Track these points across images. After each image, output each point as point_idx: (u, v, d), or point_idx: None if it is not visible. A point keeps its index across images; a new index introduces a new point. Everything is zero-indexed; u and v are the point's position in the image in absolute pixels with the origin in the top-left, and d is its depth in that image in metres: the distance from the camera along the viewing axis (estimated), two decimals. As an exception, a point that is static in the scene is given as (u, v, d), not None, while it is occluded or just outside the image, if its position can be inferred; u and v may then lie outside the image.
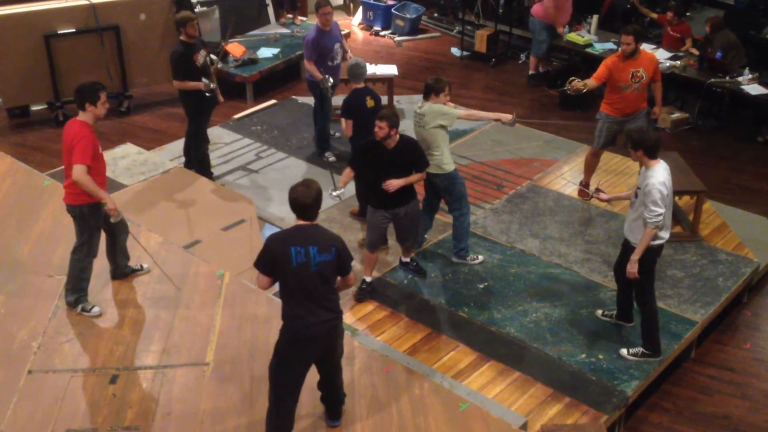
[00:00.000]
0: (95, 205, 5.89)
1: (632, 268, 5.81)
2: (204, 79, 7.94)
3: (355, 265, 7.07)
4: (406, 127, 7.63)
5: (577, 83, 7.66)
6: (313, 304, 4.66)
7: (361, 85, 7.63)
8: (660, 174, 5.67)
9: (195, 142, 8.40)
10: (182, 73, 7.91)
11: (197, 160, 8.48)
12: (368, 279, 6.84)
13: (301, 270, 4.56)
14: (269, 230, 7.50)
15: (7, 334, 5.93)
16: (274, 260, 4.62)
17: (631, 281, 5.98)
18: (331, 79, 8.43)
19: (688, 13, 12.03)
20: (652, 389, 6.20)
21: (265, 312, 6.17)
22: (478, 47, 12.43)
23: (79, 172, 5.60)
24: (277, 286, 4.86)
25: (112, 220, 5.92)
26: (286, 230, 4.79)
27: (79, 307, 6.15)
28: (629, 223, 5.94)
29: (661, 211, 5.62)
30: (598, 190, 6.45)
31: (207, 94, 8.03)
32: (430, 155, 6.76)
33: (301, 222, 4.70)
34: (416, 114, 6.85)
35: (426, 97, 6.80)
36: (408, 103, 10.57)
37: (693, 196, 7.69)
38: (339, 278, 4.84)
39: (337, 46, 8.65)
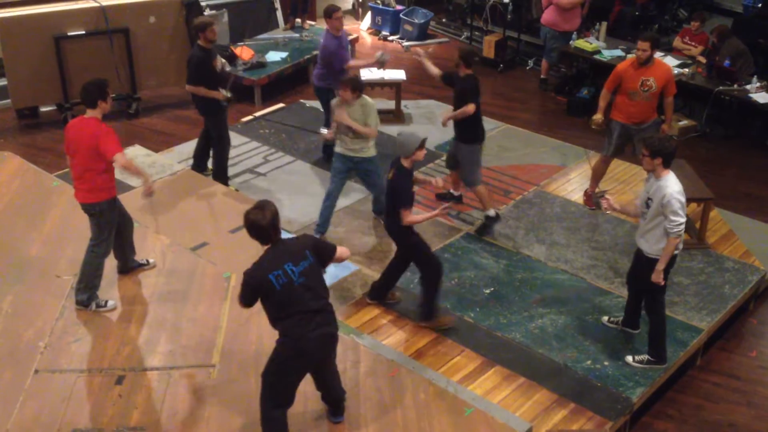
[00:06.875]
0: (113, 200, 6.03)
1: (657, 277, 5.81)
2: (222, 90, 7.94)
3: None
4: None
5: (597, 119, 7.88)
6: (308, 316, 4.66)
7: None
8: (675, 183, 5.66)
9: (221, 146, 8.27)
10: (200, 79, 7.81)
11: (219, 164, 8.36)
12: (492, 213, 7.65)
13: (286, 290, 4.57)
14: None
15: (14, 334, 5.96)
16: (256, 294, 4.62)
17: (643, 290, 6.02)
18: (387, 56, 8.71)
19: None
20: (657, 396, 6.19)
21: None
22: (486, 53, 12.45)
23: (121, 158, 5.76)
24: None
25: (146, 196, 6.09)
26: (258, 261, 4.65)
27: (93, 305, 6.18)
28: (643, 233, 5.90)
29: (683, 220, 5.62)
30: (603, 194, 6.38)
31: (224, 104, 8.03)
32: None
33: (267, 246, 4.66)
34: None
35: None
36: (415, 107, 10.60)
37: (700, 203, 7.67)
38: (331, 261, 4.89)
39: (349, 50, 8.68)
